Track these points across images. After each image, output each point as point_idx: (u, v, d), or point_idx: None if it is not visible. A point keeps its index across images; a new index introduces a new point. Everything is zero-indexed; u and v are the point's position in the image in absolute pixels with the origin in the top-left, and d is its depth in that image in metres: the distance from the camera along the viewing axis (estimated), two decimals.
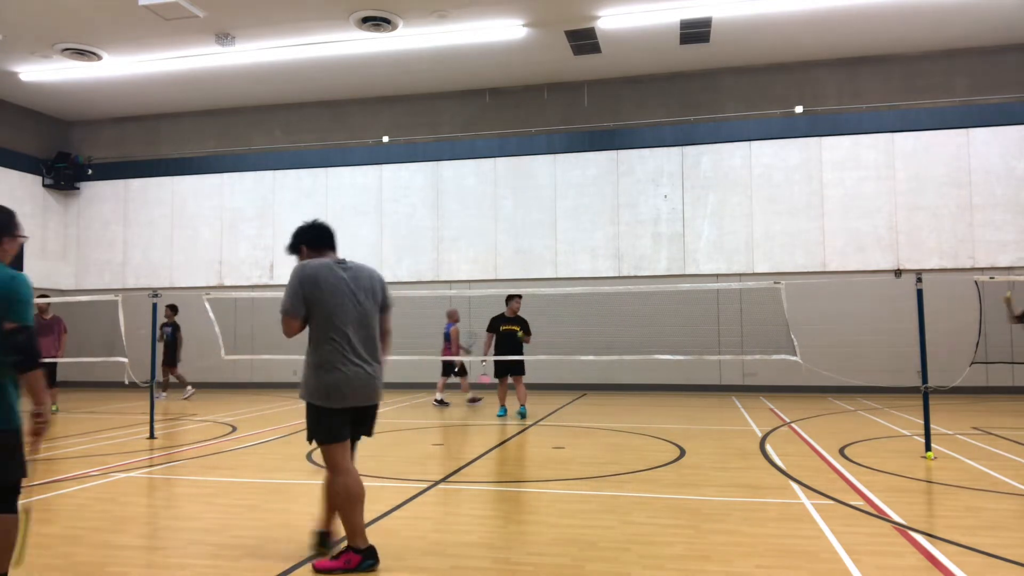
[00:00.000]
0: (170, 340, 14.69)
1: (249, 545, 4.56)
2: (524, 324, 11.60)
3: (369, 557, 4.06)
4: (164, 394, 14.95)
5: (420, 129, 17.52)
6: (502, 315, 11.67)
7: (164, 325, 14.53)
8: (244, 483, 6.60)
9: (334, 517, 4.26)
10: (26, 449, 3.62)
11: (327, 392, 4.02)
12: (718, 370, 15.44)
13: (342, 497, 4.04)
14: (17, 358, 3.36)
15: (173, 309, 14.99)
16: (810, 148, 15.53)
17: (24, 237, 3.78)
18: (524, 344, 11.53)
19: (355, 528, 4.07)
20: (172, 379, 15.01)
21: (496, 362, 11.25)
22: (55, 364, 12.48)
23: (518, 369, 11.34)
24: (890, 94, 15.34)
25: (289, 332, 4.10)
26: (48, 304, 12.64)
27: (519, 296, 11.70)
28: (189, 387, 14.85)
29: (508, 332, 11.47)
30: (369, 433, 4.32)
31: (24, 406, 3.53)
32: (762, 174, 15.70)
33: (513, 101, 17.10)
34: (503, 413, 11.39)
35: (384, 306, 4.34)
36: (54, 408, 12.61)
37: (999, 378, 14.11)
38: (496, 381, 11.61)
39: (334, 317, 4.05)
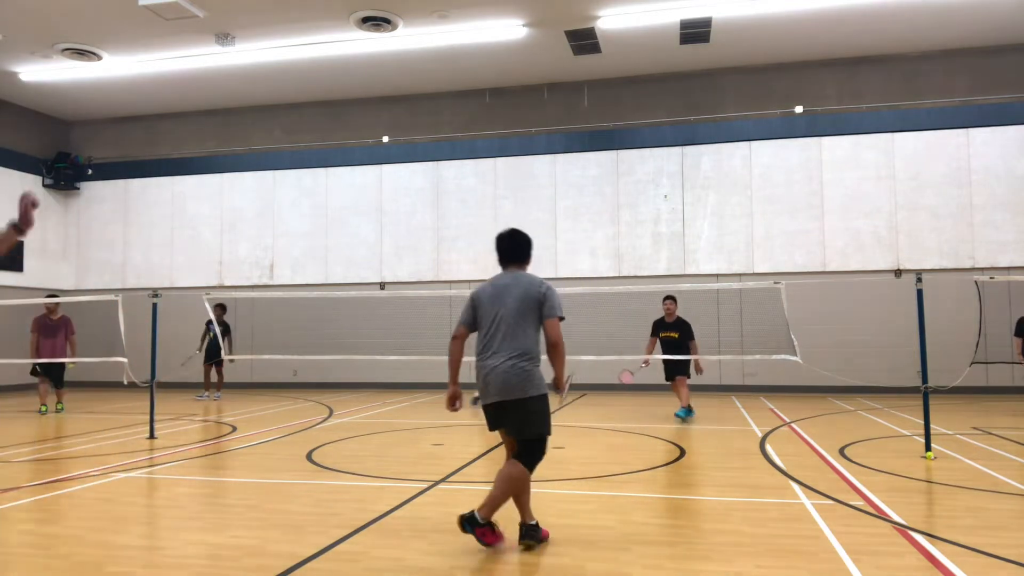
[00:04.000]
0: (213, 339, 14.40)
1: (249, 545, 4.55)
2: (685, 329, 10.87)
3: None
4: (218, 393, 14.98)
5: (420, 129, 17.52)
6: (662, 319, 11.10)
7: (210, 322, 14.36)
8: (244, 483, 6.60)
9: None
10: None
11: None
12: (718, 370, 15.42)
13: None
14: None
15: (222, 308, 14.88)
16: (810, 148, 15.52)
17: None
18: (691, 350, 10.81)
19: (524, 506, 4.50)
20: (212, 378, 15.04)
21: (664, 363, 10.78)
22: (63, 365, 12.49)
23: (677, 369, 10.75)
24: (890, 94, 15.34)
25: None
26: (57, 304, 12.65)
27: (669, 297, 11.14)
28: (218, 392, 14.96)
29: (667, 339, 10.93)
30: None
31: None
32: (762, 174, 15.70)
33: (513, 101, 17.10)
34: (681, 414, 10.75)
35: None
36: (60, 407, 12.63)
37: (999, 378, 14.10)
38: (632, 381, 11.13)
39: None
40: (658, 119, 16.36)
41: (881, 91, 15.39)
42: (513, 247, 4.69)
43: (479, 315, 4.54)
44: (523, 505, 4.48)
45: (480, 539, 4.36)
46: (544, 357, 4.52)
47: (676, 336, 10.91)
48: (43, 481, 6.59)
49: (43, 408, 12.31)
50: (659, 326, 11.17)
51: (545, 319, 4.44)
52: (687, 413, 10.78)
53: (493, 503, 4.35)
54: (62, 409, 12.62)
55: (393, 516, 5.22)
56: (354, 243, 17.53)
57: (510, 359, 4.36)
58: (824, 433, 9.18)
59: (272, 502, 5.70)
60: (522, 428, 4.39)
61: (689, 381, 10.93)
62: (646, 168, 16.21)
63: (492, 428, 4.53)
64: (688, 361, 10.75)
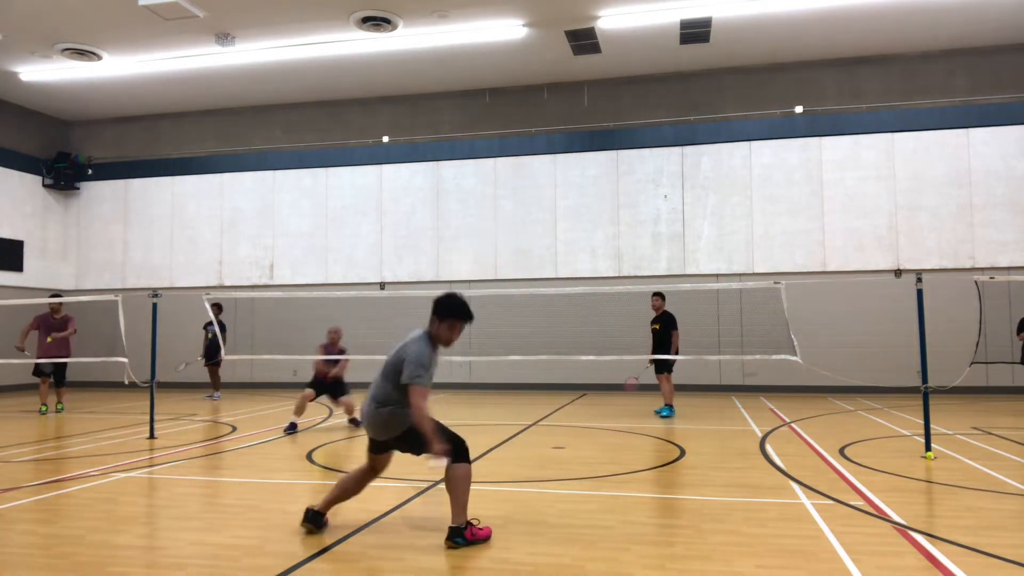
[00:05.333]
0: (214, 339, 14.46)
1: (249, 545, 4.56)
2: (666, 319, 11.29)
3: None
4: (216, 394, 15.02)
5: (420, 129, 17.52)
6: (654, 316, 11.56)
7: (209, 324, 14.42)
8: (244, 483, 6.60)
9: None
10: None
11: None
12: (718, 370, 15.43)
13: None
14: None
15: (219, 308, 14.94)
16: (810, 148, 15.52)
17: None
18: (672, 340, 11.16)
19: None
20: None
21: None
22: (65, 364, 12.53)
23: (659, 366, 11.18)
24: (890, 94, 15.34)
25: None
26: (61, 304, 12.66)
27: (656, 294, 11.50)
28: (216, 392, 15.02)
29: (652, 330, 11.43)
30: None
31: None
32: (762, 174, 15.70)
33: (513, 101, 17.10)
34: (660, 411, 11.18)
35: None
36: (60, 407, 12.64)
37: (999, 378, 14.10)
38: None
39: None
40: (658, 119, 16.36)
41: (881, 91, 15.39)
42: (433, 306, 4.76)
43: None
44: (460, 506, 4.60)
45: (473, 539, 4.47)
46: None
47: (659, 327, 11.33)
48: (43, 481, 6.59)
49: (43, 408, 12.32)
50: (651, 322, 11.60)
51: (403, 383, 4.49)
52: (668, 412, 11.10)
53: (460, 506, 4.52)
54: (62, 409, 12.62)
55: (393, 516, 5.22)
56: (354, 243, 17.53)
57: (370, 404, 4.64)
58: (824, 433, 9.19)
59: (272, 502, 5.71)
60: (424, 449, 4.53)
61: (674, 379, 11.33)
62: (646, 168, 16.21)
63: (370, 451, 4.84)
64: (669, 360, 11.09)
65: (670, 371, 11.23)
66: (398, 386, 4.53)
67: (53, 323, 12.48)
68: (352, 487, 4.91)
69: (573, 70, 16.09)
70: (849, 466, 6.91)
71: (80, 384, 17.62)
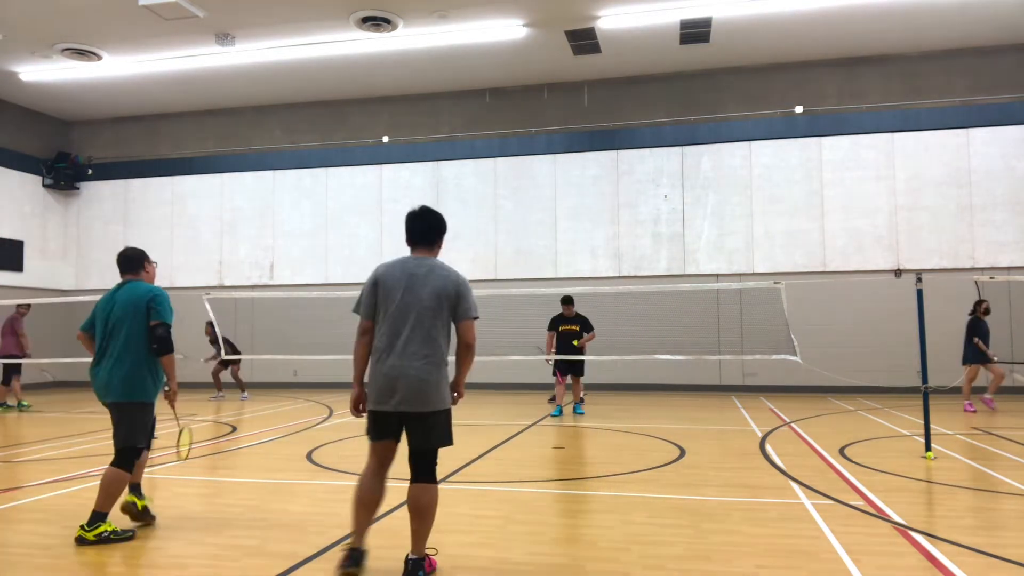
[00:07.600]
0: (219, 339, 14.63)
1: (249, 545, 4.56)
2: (583, 321, 11.81)
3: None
4: (221, 394, 15.07)
5: (420, 129, 17.52)
6: (561, 315, 11.88)
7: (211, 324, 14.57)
8: (244, 483, 6.60)
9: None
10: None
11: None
12: (718, 370, 15.43)
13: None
14: (155, 347, 5.02)
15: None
16: (810, 148, 15.52)
17: (154, 263, 5.63)
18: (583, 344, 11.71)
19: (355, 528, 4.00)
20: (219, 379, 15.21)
21: (563, 362, 11.53)
22: (16, 365, 12.97)
23: (578, 369, 11.71)
24: (890, 94, 15.34)
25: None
26: (29, 306, 13.45)
27: (569, 300, 11.87)
28: (220, 393, 15.07)
29: (567, 332, 11.76)
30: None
31: None
32: (762, 174, 15.70)
33: (513, 101, 17.09)
34: (558, 413, 11.50)
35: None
36: (27, 405, 13.00)
37: None
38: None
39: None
40: (658, 119, 16.36)
41: (881, 91, 15.39)
42: (425, 228, 4.07)
43: (383, 303, 3.93)
44: (423, 536, 3.93)
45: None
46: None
47: (577, 328, 11.76)
48: (43, 481, 6.59)
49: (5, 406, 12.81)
50: (558, 321, 11.88)
51: (460, 320, 3.93)
52: (557, 412, 11.52)
53: (422, 538, 3.93)
54: (24, 406, 13.07)
55: (393, 516, 5.22)
56: (354, 243, 17.52)
57: (425, 365, 3.83)
58: (824, 433, 9.18)
59: (272, 502, 5.70)
60: (430, 439, 3.91)
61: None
62: (646, 168, 16.21)
63: (379, 437, 3.95)
64: (583, 362, 11.71)
65: (565, 373, 11.68)
66: (448, 331, 4.06)
67: (21, 325, 13.15)
68: None
69: (573, 70, 16.08)
70: (849, 466, 6.91)
71: (80, 384, 17.61)
